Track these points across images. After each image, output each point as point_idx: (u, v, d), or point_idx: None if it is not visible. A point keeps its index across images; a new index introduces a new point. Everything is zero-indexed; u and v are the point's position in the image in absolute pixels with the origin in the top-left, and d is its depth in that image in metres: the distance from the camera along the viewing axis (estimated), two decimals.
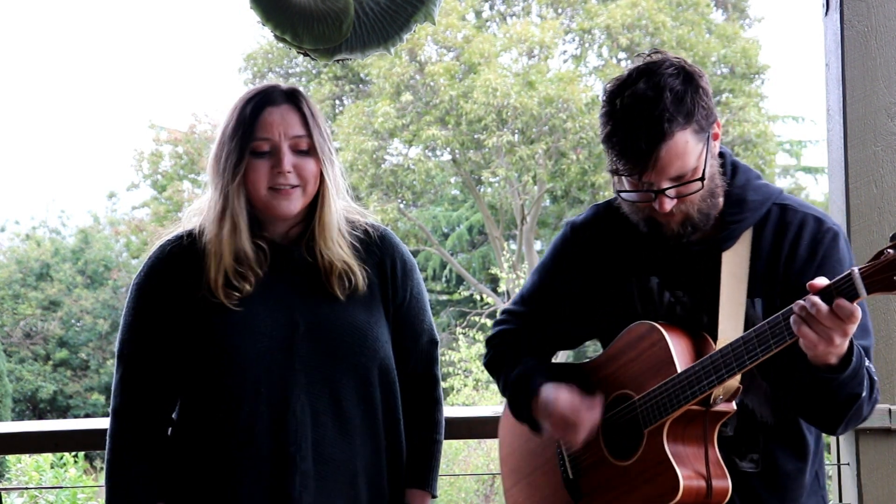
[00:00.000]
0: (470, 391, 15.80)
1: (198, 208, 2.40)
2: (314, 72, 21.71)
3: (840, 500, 3.05)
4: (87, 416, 19.93)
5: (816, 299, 1.91)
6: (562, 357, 12.51)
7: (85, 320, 21.93)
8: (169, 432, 2.38)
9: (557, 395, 2.22)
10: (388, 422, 2.38)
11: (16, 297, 21.98)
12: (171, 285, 2.34)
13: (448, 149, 19.41)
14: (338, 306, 2.33)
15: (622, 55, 19.62)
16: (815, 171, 23.77)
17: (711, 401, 2.11)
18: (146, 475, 2.31)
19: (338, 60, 2.41)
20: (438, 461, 2.47)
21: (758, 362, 2.03)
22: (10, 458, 11.06)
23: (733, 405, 2.15)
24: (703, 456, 2.14)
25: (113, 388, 2.37)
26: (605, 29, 19.42)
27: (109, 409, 2.37)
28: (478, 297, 21.01)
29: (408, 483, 2.43)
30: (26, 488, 9.47)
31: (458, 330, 19.55)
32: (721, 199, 2.17)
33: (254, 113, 2.29)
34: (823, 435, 2.27)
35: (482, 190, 21.20)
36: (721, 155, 2.20)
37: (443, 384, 2.52)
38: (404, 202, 21.00)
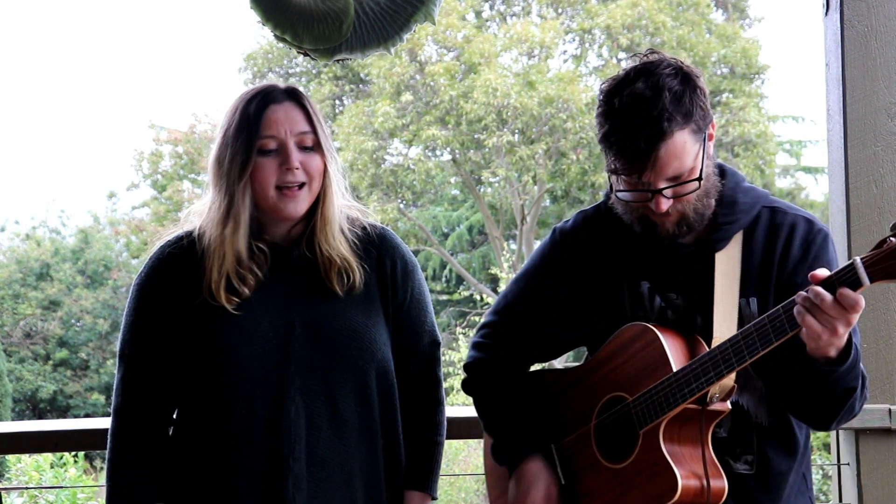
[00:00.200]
0: None
1: (198, 209, 2.40)
2: (314, 72, 21.71)
3: (840, 500, 3.06)
4: (87, 416, 19.93)
5: (820, 289, 1.93)
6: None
7: (85, 320, 21.94)
8: (170, 432, 2.38)
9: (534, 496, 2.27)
10: (386, 423, 2.37)
11: (16, 297, 21.99)
12: (171, 286, 2.34)
13: (448, 149, 19.41)
14: (336, 307, 2.33)
15: (622, 55, 19.63)
16: (815, 171, 23.78)
17: (708, 399, 2.11)
18: (147, 475, 2.31)
19: (338, 60, 2.41)
20: (439, 463, 2.46)
21: (757, 357, 2.03)
22: (10, 457, 11.07)
23: (728, 404, 2.15)
24: (700, 456, 2.14)
25: (114, 388, 2.37)
26: (605, 29, 19.42)
27: (111, 409, 2.38)
28: (478, 297, 21.01)
29: (407, 485, 2.42)
30: (26, 488, 9.47)
31: (458, 330, 19.55)
32: (713, 201, 2.18)
33: (258, 111, 2.28)
34: (822, 435, 2.28)
35: (482, 190, 21.20)
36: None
37: (443, 384, 2.51)
38: (404, 202, 21.00)
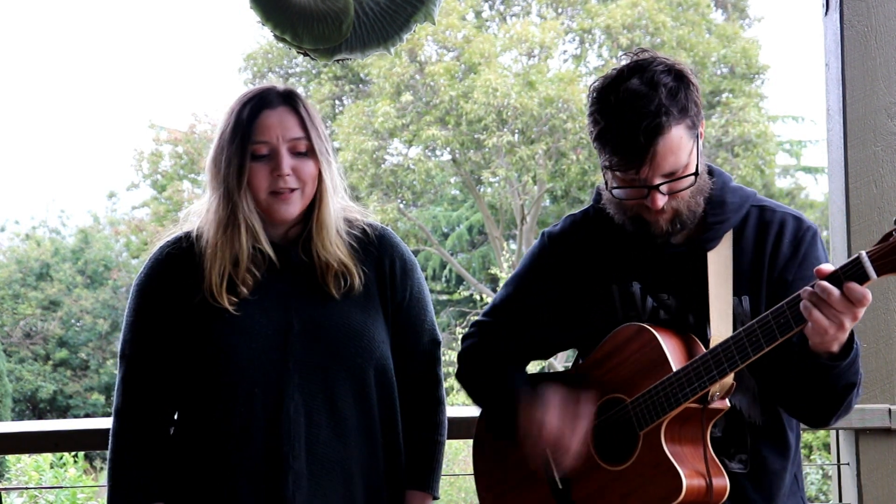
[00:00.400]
0: None
1: (197, 210, 2.40)
2: (314, 72, 21.71)
3: (840, 500, 3.06)
4: (86, 416, 19.93)
5: (826, 284, 1.93)
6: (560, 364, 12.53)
7: (85, 320, 21.94)
8: (171, 432, 2.38)
9: (547, 408, 2.20)
10: (386, 422, 2.37)
11: (16, 297, 21.99)
12: (171, 287, 2.34)
13: (448, 149, 19.41)
14: (334, 306, 2.33)
15: (622, 55, 19.61)
16: (815, 171, 23.78)
17: (709, 398, 2.12)
18: (147, 475, 2.31)
19: (338, 60, 2.41)
20: (440, 462, 2.46)
21: (761, 353, 2.03)
22: (10, 458, 11.06)
23: (727, 402, 2.15)
24: (702, 455, 2.13)
25: (115, 389, 2.38)
26: (605, 29, 19.42)
27: (112, 409, 2.38)
28: (478, 297, 21.01)
29: (408, 484, 2.42)
30: (26, 488, 9.48)
31: (458, 330, 19.55)
32: (703, 200, 2.19)
33: (251, 116, 2.29)
34: (822, 434, 2.28)
35: (482, 190, 21.20)
36: None
37: (444, 383, 2.51)
38: (404, 202, 21.01)
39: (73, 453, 11.04)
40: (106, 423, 2.40)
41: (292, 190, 2.30)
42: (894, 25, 2.95)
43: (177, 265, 2.35)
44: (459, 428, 2.72)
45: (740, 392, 2.19)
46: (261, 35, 21.79)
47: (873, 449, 2.93)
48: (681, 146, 2.08)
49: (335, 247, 2.34)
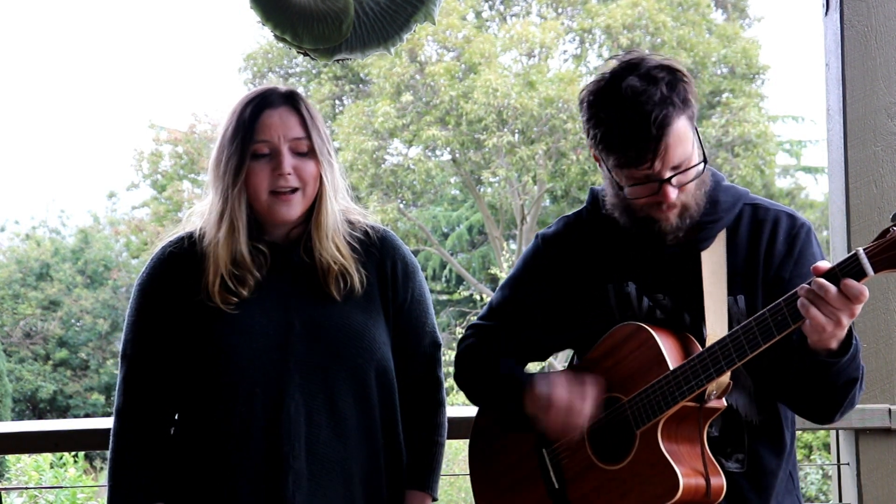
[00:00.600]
0: None
1: (199, 210, 2.41)
2: (314, 72, 21.72)
3: (840, 500, 3.06)
4: (86, 416, 19.94)
5: (823, 281, 1.93)
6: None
7: (85, 320, 21.95)
8: (171, 432, 2.38)
9: (554, 384, 2.20)
10: (386, 423, 2.37)
11: (16, 297, 22.00)
12: (172, 287, 2.35)
13: (448, 149, 19.42)
14: (334, 307, 2.33)
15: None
16: (815, 171, 23.78)
17: (706, 396, 2.12)
18: (148, 475, 2.31)
19: (338, 60, 2.41)
20: (440, 463, 2.47)
21: (758, 351, 2.03)
22: (10, 457, 11.07)
23: (724, 401, 2.15)
24: (699, 454, 2.13)
25: (116, 389, 2.38)
26: (605, 29, 19.42)
27: (112, 409, 2.39)
28: (478, 297, 21.01)
29: (408, 484, 2.43)
30: (26, 488, 9.48)
31: (458, 330, 19.56)
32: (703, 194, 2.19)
33: (253, 116, 2.30)
34: (822, 434, 2.28)
35: (482, 190, 21.21)
36: None
37: (444, 385, 2.52)
38: (404, 202, 21.01)
39: (73, 453, 11.04)
40: (106, 423, 2.40)
41: (293, 190, 2.30)
42: (894, 25, 2.95)
43: (178, 265, 2.36)
44: (459, 428, 2.72)
45: (737, 391, 2.19)
46: (261, 35, 21.83)
47: (873, 449, 2.93)
48: (686, 137, 2.09)
49: (335, 248, 2.34)
